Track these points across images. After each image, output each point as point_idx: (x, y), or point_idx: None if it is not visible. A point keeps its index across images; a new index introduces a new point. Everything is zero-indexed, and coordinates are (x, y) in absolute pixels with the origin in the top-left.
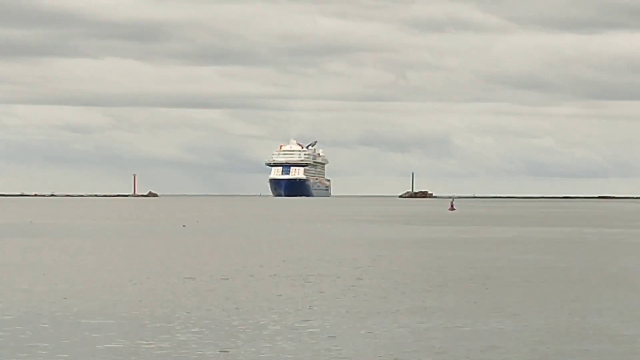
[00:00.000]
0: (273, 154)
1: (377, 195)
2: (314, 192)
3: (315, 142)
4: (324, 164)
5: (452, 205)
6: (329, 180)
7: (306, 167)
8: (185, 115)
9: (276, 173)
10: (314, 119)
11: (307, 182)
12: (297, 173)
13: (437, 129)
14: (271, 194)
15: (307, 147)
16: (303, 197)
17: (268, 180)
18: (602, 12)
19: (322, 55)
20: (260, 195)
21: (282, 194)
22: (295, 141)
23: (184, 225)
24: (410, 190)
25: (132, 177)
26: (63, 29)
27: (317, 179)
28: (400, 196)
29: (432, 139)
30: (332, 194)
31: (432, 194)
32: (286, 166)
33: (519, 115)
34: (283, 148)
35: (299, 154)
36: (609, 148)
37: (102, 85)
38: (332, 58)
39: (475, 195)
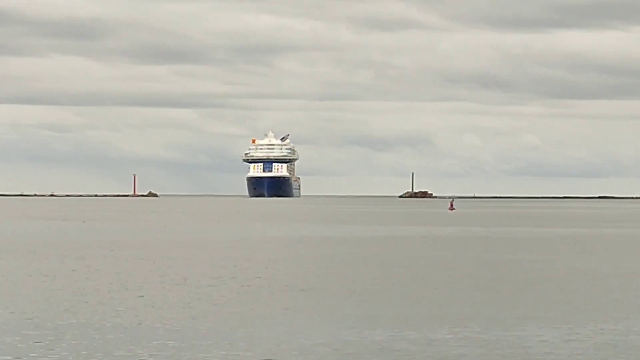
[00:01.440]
0: (250, 149)
1: (377, 195)
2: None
3: (288, 134)
4: (296, 160)
5: (451, 205)
6: (299, 179)
7: (288, 164)
8: (159, 114)
9: (256, 170)
10: (282, 117)
11: (289, 181)
12: (280, 170)
13: (417, 128)
14: (248, 194)
15: (281, 140)
16: (286, 198)
17: (246, 179)
18: (546, 11)
19: (274, 53)
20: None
21: (265, 194)
22: (272, 134)
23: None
24: (410, 190)
25: (132, 177)
26: (3, 27)
27: (294, 179)
28: (400, 196)
29: (415, 138)
30: (301, 193)
31: (432, 194)
32: (267, 162)
33: (492, 114)
34: (260, 142)
35: (280, 149)
36: (596, 148)
37: (61, 84)
38: (284, 57)
39: (476, 195)
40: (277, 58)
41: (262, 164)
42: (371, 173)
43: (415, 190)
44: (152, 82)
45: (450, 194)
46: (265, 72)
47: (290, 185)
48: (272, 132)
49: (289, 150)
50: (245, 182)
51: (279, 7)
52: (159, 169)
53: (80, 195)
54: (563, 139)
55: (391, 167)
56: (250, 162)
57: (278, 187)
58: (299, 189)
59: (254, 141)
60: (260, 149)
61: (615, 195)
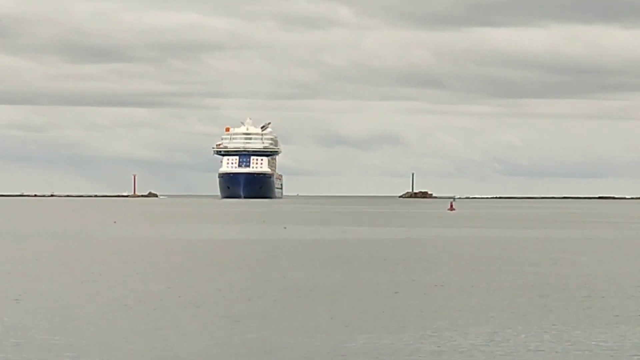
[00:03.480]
0: (223, 139)
1: (378, 195)
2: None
3: (269, 122)
4: (279, 153)
5: (451, 205)
6: (281, 176)
7: (270, 157)
8: (121, 114)
9: (229, 165)
10: (241, 116)
11: (271, 179)
12: (259, 165)
13: (385, 128)
14: (220, 194)
15: (261, 129)
16: (266, 200)
17: (217, 175)
18: (471, 9)
19: (202, 52)
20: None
21: (241, 193)
22: (251, 121)
23: None
24: (410, 190)
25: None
26: None
27: (276, 176)
28: (400, 196)
29: (390, 138)
30: (283, 193)
31: (432, 194)
32: (244, 155)
33: (453, 114)
34: (235, 131)
35: (260, 139)
36: (578, 146)
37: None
38: (213, 55)
39: (468, 196)
40: (207, 56)
41: (237, 157)
42: (360, 173)
43: (415, 191)
44: (92, 81)
45: (451, 194)
46: (201, 71)
47: (271, 183)
48: (250, 118)
49: (271, 141)
50: (217, 179)
51: (195, 5)
52: (141, 169)
53: (80, 196)
54: (539, 139)
55: (377, 167)
56: (223, 155)
57: (257, 186)
58: (282, 188)
59: (227, 130)
60: (235, 138)
61: (617, 196)
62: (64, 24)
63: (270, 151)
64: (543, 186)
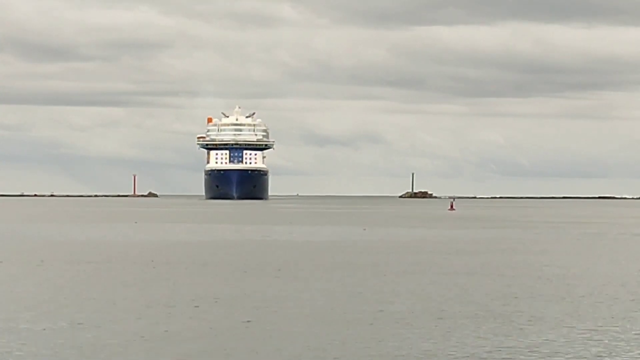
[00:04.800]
0: (209, 131)
1: (375, 195)
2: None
3: (254, 112)
4: (272, 147)
5: (452, 206)
6: (268, 174)
7: (264, 151)
8: (95, 113)
9: (219, 160)
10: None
11: (266, 177)
12: (253, 160)
13: (362, 127)
14: (205, 194)
15: (248, 118)
16: (258, 201)
17: (204, 172)
18: (418, 7)
19: (159, 50)
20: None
21: (234, 193)
22: (240, 109)
23: None
24: (410, 190)
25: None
26: None
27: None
28: (400, 196)
29: (368, 137)
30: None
31: (432, 194)
32: (236, 149)
33: (425, 113)
34: (224, 122)
35: (253, 130)
36: (562, 146)
37: None
38: (166, 53)
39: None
40: (162, 55)
41: (226, 151)
42: (352, 172)
43: (415, 191)
44: (55, 80)
45: (451, 194)
46: (160, 70)
47: (266, 182)
48: (239, 107)
49: (263, 133)
50: (203, 177)
51: (134, 4)
52: (127, 169)
53: (80, 196)
54: (525, 138)
55: (367, 166)
56: (210, 149)
57: (251, 185)
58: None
59: (210, 120)
60: (224, 130)
61: (617, 196)
62: (12, 23)
63: (264, 145)
64: (540, 186)
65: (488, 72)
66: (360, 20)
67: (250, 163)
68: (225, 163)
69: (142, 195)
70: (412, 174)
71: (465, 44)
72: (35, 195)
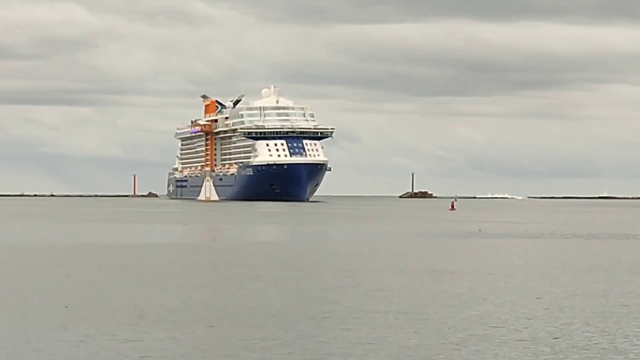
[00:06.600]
0: (250, 114)
1: (377, 195)
2: None
3: (243, 95)
4: (331, 136)
5: (452, 205)
6: None
7: (322, 141)
8: (63, 112)
9: (273, 152)
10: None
11: (324, 172)
12: (315, 152)
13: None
14: (236, 195)
15: (232, 104)
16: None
17: (251, 168)
18: (345, 4)
19: (90, 48)
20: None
21: (304, 194)
22: (277, 90)
23: None
24: (410, 190)
25: (133, 177)
26: None
27: None
28: (400, 196)
29: (343, 135)
30: None
31: (432, 194)
32: (295, 139)
33: (382, 112)
34: (254, 104)
35: (303, 115)
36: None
37: None
38: (100, 51)
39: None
40: (96, 52)
41: (283, 141)
42: (347, 171)
43: (415, 191)
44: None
45: (453, 194)
46: (103, 68)
47: (321, 179)
48: (275, 86)
49: (313, 119)
50: (238, 174)
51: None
52: (113, 169)
53: (80, 196)
54: (502, 136)
55: (361, 165)
56: (257, 139)
57: (314, 184)
58: None
59: (212, 105)
60: (270, 115)
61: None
62: None
63: (322, 133)
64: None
65: (432, 70)
66: (288, 17)
67: (313, 156)
68: (285, 156)
69: (142, 196)
70: (412, 174)
71: (402, 42)
72: (35, 195)
